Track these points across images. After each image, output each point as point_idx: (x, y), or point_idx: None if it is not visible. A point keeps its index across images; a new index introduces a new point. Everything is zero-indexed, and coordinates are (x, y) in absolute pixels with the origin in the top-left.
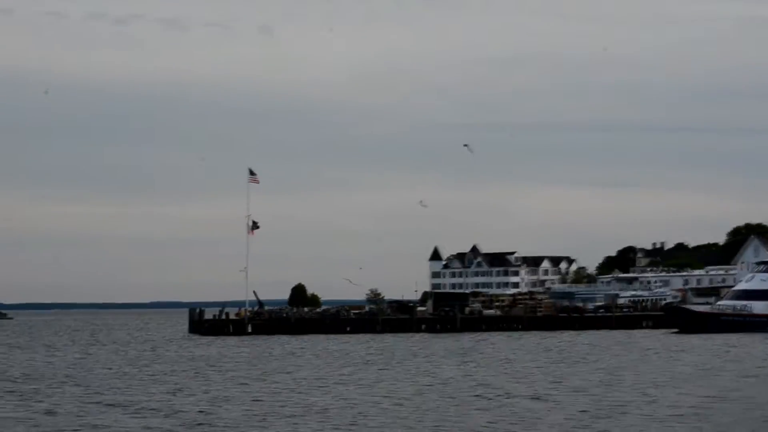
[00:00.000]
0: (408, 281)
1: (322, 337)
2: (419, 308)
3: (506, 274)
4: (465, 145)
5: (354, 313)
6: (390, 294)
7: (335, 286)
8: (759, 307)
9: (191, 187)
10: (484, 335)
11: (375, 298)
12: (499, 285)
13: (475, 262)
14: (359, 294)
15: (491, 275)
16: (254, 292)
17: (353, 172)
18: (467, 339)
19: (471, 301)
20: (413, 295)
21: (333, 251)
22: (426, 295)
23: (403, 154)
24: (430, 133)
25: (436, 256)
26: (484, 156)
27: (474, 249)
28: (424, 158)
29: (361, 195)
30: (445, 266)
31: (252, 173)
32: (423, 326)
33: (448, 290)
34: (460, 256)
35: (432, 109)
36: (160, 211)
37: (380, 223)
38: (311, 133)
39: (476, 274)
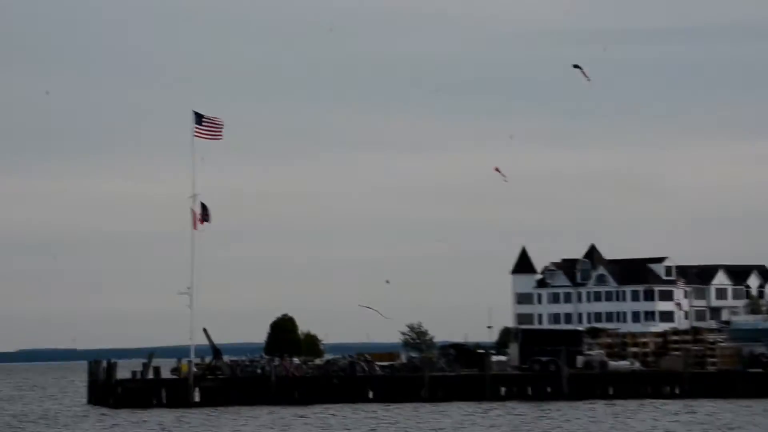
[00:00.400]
0: (475, 310)
1: (327, 409)
2: (496, 357)
3: (650, 296)
4: (576, 66)
5: (381, 367)
6: (443, 333)
7: (347, 320)
8: None
9: (86, 145)
10: (615, 407)
11: (418, 339)
12: (637, 316)
13: (595, 275)
14: (390, 332)
15: (623, 299)
16: (205, 330)
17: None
18: (584, 413)
19: (587, 345)
20: (485, 335)
21: (341, 255)
22: (508, 335)
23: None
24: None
25: (524, 265)
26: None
27: (592, 253)
28: (502, 89)
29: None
30: (542, 283)
31: (200, 120)
32: (503, 389)
33: (546, 326)
34: (568, 266)
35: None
36: (37, 186)
37: (419, 205)
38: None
39: (596, 296)
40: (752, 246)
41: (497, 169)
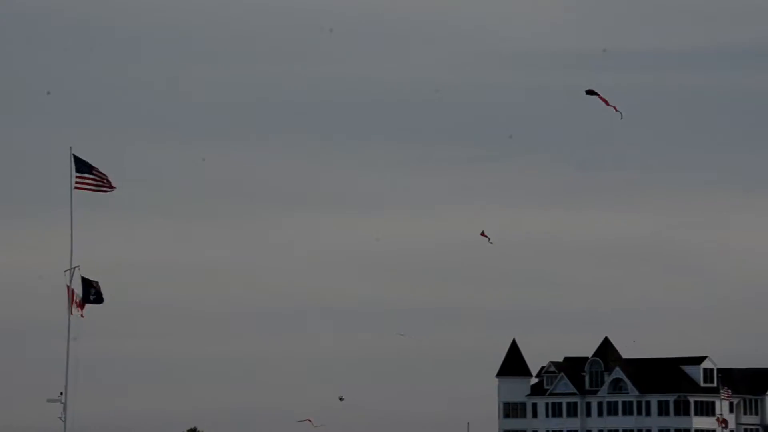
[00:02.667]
0: (449, 425)
1: None
2: None
3: (684, 410)
4: (590, 93)
5: None
6: None
7: None
8: None
9: None
10: None
11: None
12: None
13: (609, 380)
14: None
15: (647, 412)
16: None
17: None
18: None
19: None
20: None
21: (270, 347)
22: None
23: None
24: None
25: (515, 365)
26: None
27: (605, 350)
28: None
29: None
30: (538, 389)
31: (83, 169)
32: None
33: None
34: (573, 367)
35: None
36: None
37: (372, 284)
38: None
39: (611, 408)
40: None
41: (483, 234)
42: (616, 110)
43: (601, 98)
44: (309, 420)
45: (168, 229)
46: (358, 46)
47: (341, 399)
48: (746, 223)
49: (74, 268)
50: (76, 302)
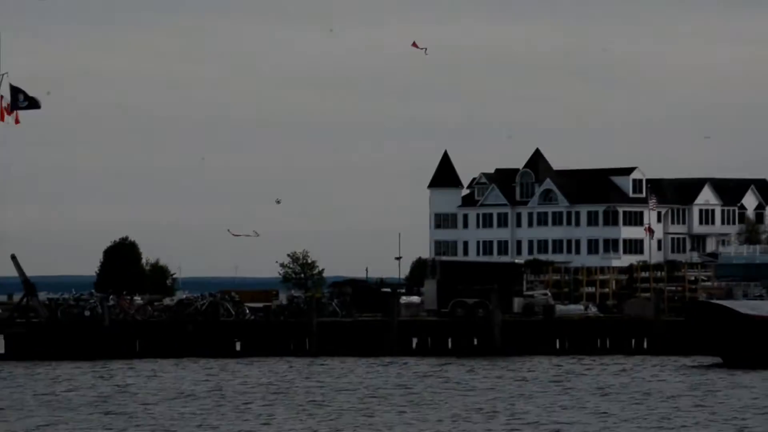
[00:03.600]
0: (380, 236)
1: (177, 364)
2: (406, 298)
3: (612, 220)
4: None
5: (252, 310)
6: (337, 265)
7: (209, 247)
8: None
9: None
10: (562, 366)
11: (302, 273)
12: (594, 246)
13: (539, 191)
14: (265, 263)
15: (576, 222)
16: (13, 258)
17: None
18: (522, 373)
19: (529, 283)
20: (392, 269)
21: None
22: (423, 269)
23: None
24: None
25: (446, 176)
26: None
27: (536, 161)
28: None
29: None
30: (469, 201)
31: None
32: (414, 341)
33: (473, 257)
34: (504, 178)
35: None
36: None
37: (307, 96)
38: None
39: (541, 219)
40: (749, 155)
41: (415, 45)
42: None
43: None
44: (231, 233)
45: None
46: None
47: (278, 202)
48: (675, 37)
49: (3, 74)
50: (5, 109)
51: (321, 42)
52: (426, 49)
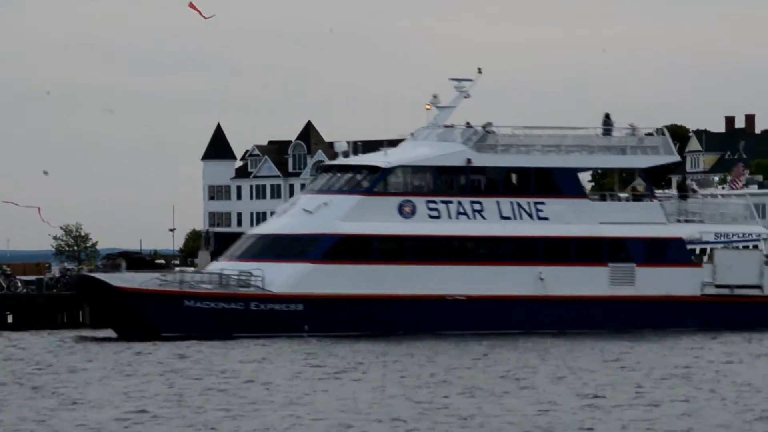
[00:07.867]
0: (153, 208)
1: None
2: (180, 269)
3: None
4: None
5: (25, 283)
6: (110, 238)
7: None
8: None
9: None
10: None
11: (75, 246)
12: None
13: (312, 163)
14: (38, 236)
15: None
16: None
17: None
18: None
19: None
20: (166, 241)
21: None
22: (197, 240)
23: None
24: None
25: (219, 148)
26: None
27: (308, 133)
28: None
29: None
30: (242, 172)
31: None
32: None
33: (246, 229)
34: (277, 150)
35: None
36: None
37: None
38: None
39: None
40: None
41: (192, 6)
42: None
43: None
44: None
45: None
46: None
47: (45, 173)
48: (446, 11)
49: None
50: None
51: (79, 8)
52: (213, 16)
